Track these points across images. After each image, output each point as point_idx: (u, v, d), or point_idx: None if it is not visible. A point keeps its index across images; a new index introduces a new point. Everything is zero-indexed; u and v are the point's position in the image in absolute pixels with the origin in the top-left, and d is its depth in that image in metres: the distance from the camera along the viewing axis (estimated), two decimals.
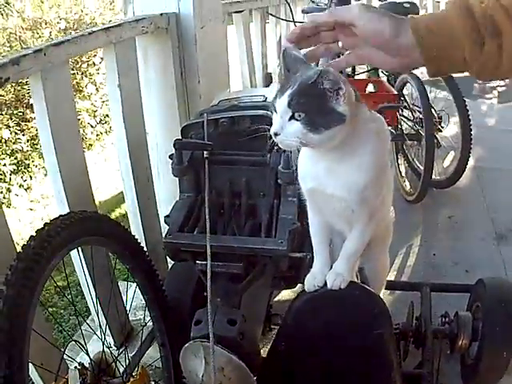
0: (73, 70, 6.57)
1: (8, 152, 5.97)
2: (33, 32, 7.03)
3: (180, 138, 1.83)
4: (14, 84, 5.86)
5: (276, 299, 2.61)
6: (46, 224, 1.47)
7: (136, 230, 2.42)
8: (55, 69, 1.79)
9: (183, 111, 2.50)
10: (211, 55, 2.58)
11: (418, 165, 4.16)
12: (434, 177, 3.95)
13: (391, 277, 3.02)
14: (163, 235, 1.72)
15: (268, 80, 4.16)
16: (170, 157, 1.80)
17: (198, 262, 1.64)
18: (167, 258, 2.31)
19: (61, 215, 1.56)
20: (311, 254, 1.50)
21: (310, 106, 1.10)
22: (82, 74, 6.92)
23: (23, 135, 6.09)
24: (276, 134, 1.14)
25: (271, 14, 4.23)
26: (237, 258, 1.64)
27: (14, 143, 6.02)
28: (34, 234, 1.42)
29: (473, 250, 3.47)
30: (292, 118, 1.12)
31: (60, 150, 1.86)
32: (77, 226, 1.55)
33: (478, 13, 1.05)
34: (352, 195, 1.27)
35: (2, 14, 7.14)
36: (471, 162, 4.18)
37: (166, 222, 1.78)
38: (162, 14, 2.31)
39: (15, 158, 6.04)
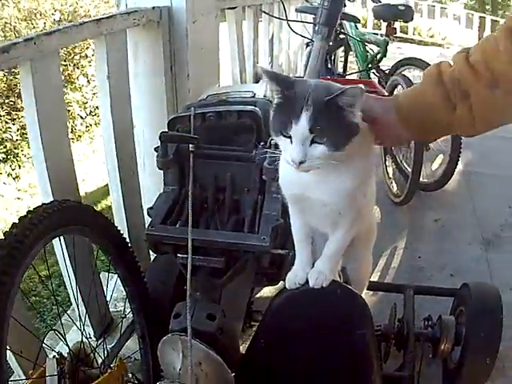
0: (65, 61, 6.58)
1: None
2: (27, 23, 7.04)
3: (166, 130, 1.83)
4: (5, 73, 5.86)
5: (257, 296, 2.59)
6: (28, 212, 1.47)
7: (120, 221, 2.41)
8: (45, 58, 1.79)
9: (171, 105, 2.50)
10: (202, 50, 2.58)
11: (406, 167, 4.13)
12: (421, 179, 3.94)
13: (375, 278, 3.02)
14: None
15: (258, 77, 4.15)
16: (156, 149, 1.80)
17: (179, 255, 1.63)
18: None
19: (44, 204, 1.56)
20: (293, 251, 1.49)
21: (330, 126, 1.10)
22: (74, 65, 6.94)
23: (13, 124, 6.09)
24: (301, 163, 1.12)
25: (265, 12, 4.23)
26: (218, 252, 1.64)
27: (4, 132, 6.03)
28: (17, 222, 1.41)
29: (459, 254, 3.48)
30: (312, 141, 1.11)
31: (46, 141, 1.86)
32: (59, 215, 1.54)
33: (447, 78, 1.13)
34: (342, 200, 1.27)
35: None
36: (460, 166, 4.18)
37: (148, 214, 1.77)
38: (154, 8, 2.31)
39: (5, 147, 6.04)
